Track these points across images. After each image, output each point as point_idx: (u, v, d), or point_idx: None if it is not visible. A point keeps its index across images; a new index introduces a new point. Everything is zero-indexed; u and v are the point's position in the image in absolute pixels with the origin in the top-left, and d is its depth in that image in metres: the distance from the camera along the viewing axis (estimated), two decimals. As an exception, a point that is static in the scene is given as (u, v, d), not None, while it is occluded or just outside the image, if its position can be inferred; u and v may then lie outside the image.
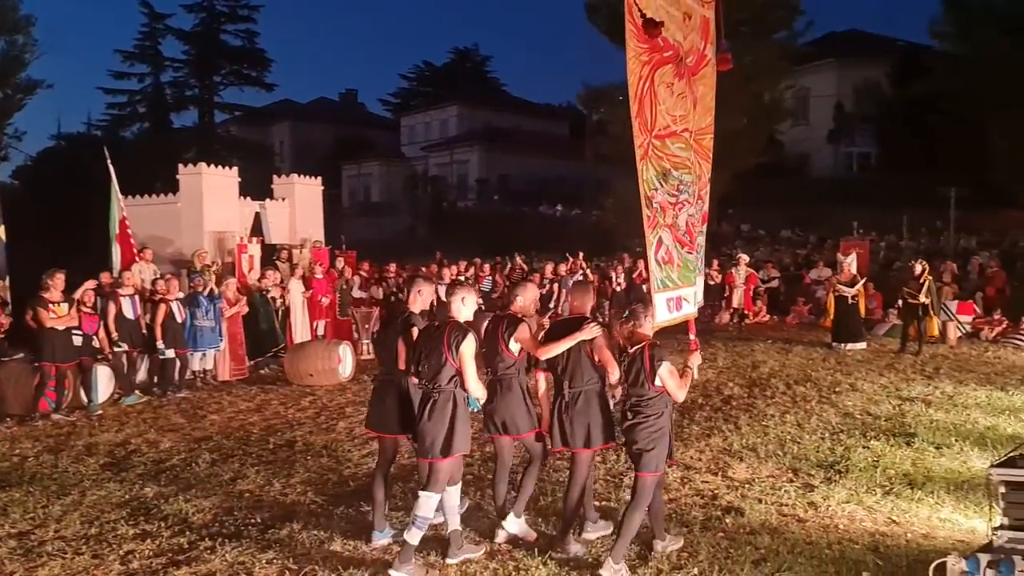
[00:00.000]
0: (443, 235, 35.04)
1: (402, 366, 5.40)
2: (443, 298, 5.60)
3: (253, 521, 5.94)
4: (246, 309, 12.67)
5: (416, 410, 5.13)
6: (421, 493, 5.00)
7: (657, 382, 4.93)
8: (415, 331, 5.32)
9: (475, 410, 5.32)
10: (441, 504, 5.11)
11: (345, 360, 12.02)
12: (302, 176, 19.29)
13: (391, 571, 4.84)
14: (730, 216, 33.53)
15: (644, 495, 4.96)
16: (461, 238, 31.69)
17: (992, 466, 4.38)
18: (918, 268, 14.29)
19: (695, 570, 4.94)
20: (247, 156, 39.42)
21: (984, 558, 4.00)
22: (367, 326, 14.59)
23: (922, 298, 13.81)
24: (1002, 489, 4.21)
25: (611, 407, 5.41)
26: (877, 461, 7.29)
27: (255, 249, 15.28)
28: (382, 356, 5.80)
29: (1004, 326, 15.69)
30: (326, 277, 14.84)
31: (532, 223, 38.61)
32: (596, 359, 5.26)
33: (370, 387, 11.22)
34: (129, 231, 13.15)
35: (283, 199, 18.36)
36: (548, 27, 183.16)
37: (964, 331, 15.74)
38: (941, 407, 9.60)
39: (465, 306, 5.22)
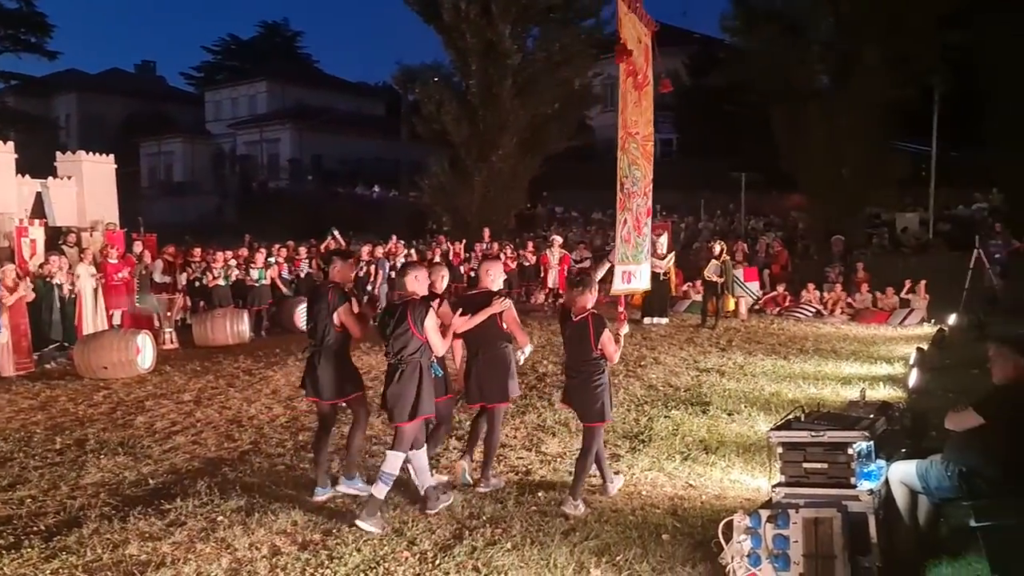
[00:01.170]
0: (253, 217, 33.57)
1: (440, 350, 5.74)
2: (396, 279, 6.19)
3: (35, 529, 5.43)
4: (31, 296, 11.53)
5: (388, 380, 5.55)
6: (388, 452, 5.51)
7: (599, 346, 5.67)
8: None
9: (438, 376, 5.77)
10: (413, 466, 5.67)
11: (144, 350, 11.26)
12: (92, 153, 17.77)
13: (358, 522, 5.27)
14: (544, 198, 34.46)
15: (595, 442, 5.74)
16: (272, 220, 30.56)
17: (771, 429, 4.77)
18: (716, 248, 15.35)
19: (508, 544, 5.04)
20: (26, 130, 35.84)
21: (765, 513, 4.36)
22: (169, 314, 13.73)
23: (715, 277, 14.86)
24: (780, 450, 4.60)
25: (515, 366, 6.22)
26: (677, 429, 7.76)
27: (37, 232, 13.92)
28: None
29: (787, 300, 17.21)
30: (122, 262, 13.80)
31: (347, 204, 37.86)
32: (505, 327, 6.04)
33: (174, 377, 10.80)
34: None
35: (69, 178, 16.85)
36: (361, 4, 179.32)
37: (754, 297, 17.13)
38: (733, 376, 10.38)
39: (419, 282, 5.63)
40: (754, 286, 17.65)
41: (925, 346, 11.31)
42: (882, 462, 4.71)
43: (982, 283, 15.95)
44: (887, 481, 4.61)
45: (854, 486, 4.36)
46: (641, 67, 6.57)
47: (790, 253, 20.76)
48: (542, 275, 18.48)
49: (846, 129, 21.35)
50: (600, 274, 7.26)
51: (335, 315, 5.83)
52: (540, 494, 5.99)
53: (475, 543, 5.07)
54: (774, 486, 4.60)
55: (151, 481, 6.51)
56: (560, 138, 24.03)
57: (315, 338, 5.98)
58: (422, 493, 5.67)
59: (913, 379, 9.03)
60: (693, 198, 29.49)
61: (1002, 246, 17.38)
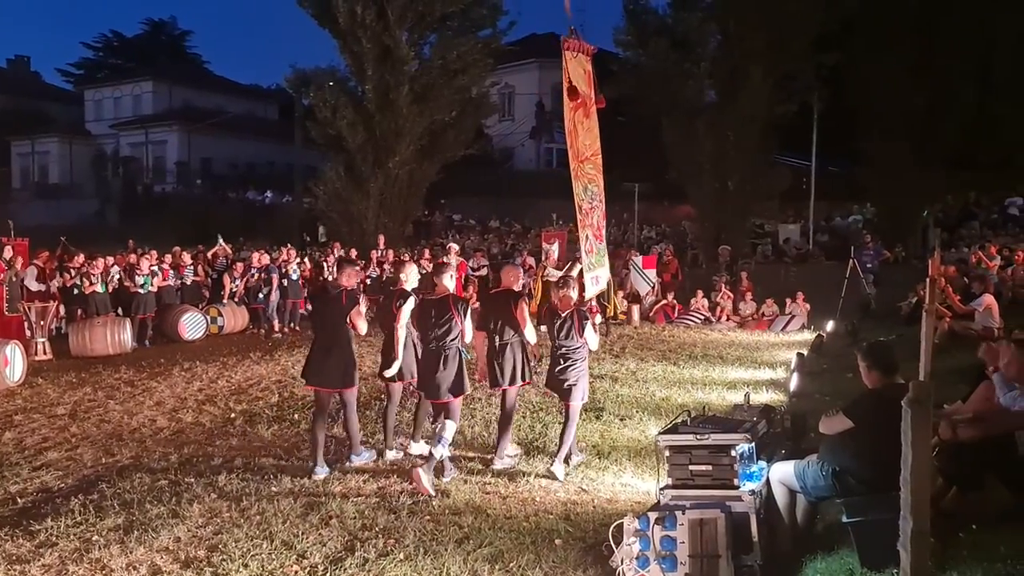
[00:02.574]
0: (137, 221, 32.22)
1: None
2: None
3: None
4: None
5: (427, 366, 6.56)
6: (447, 422, 6.43)
7: (583, 336, 6.70)
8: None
9: (469, 359, 6.74)
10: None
11: (13, 362, 10.60)
12: (-44, 151, 16.63)
13: (442, 479, 6.34)
14: (442, 206, 34.38)
15: (574, 417, 6.77)
16: (158, 225, 29.37)
17: (659, 433, 4.89)
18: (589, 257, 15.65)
19: (401, 555, 4.98)
20: None
21: (653, 515, 4.46)
22: (43, 322, 12.95)
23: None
24: (667, 453, 4.73)
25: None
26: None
27: None
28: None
29: (677, 309, 17.73)
30: (-12, 268, 12.95)
31: (238, 209, 36.80)
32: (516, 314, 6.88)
33: (47, 390, 10.21)
34: None
35: (-69, 177, 15.70)
36: (254, 5, 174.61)
37: (650, 284, 17.60)
38: (626, 383, 10.59)
39: (452, 280, 6.80)
40: (651, 273, 18.13)
41: (805, 351, 11.85)
42: (763, 463, 4.90)
43: (858, 291, 16.87)
44: (768, 481, 4.79)
45: (737, 487, 4.52)
46: (587, 94, 7.56)
47: (680, 262, 21.41)
48: (439, 283, 18.37)
49: (732, 143, 22.25)
50: (576, 272, 8.10)
51: (349, 316, 6.65)
52: (435, 503, 5.95)
53: (367, 555, 4.99)
54: (662, 488, 4.72)
55: (20, 500, 6.14)
56: (457, 145, 24.05)
57: (325, 334, 6.73)
58: (432, 457, 6.34)
59: (793, 383, 9.43)
60: (588, 207, 29.99)
61: (874, 256, 18.42)
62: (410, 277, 7.12)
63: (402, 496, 6.08)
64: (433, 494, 6.00)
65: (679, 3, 23.70)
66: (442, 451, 6.33)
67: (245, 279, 16.19)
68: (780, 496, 4.75)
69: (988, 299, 11.11)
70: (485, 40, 23.62)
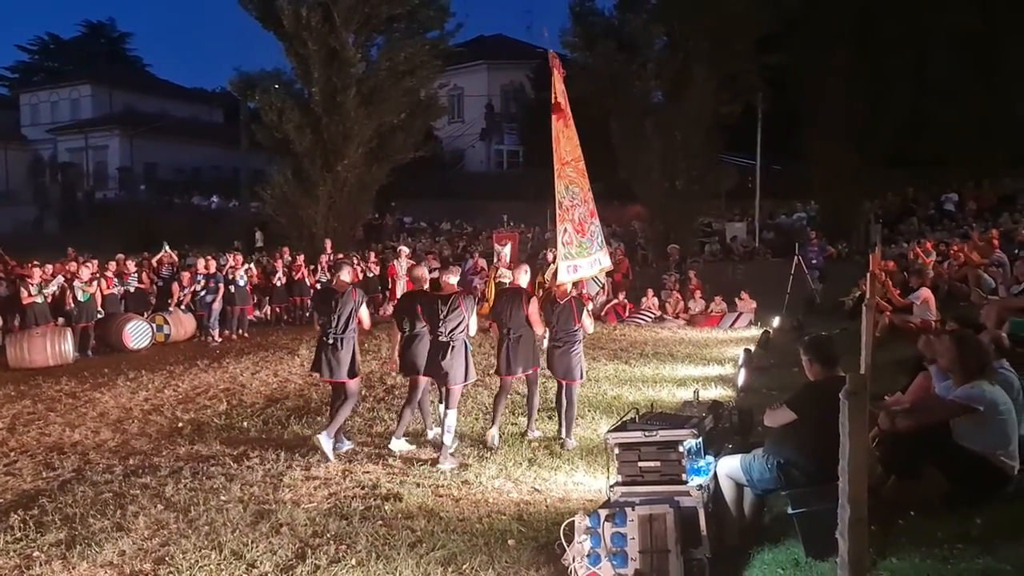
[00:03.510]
0: (78, 228, 31.45)
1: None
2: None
3: None
4: None
5: (435, 354, 7.14)
6: (448, 411, 7.07)
7: (580, 321, 7.54)
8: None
9: (469, 349, 7.26)
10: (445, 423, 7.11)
11: (-51, 376, 10.25)
12: None
13: (440, 465, 6.80)
14: (392, 208, 34.16)
15: (574, 395, 7.72)
16: (101, 232, 28.69)
17: (609, 431, 4.94)
18: (551, 256, 15.74)
19: (353, 561, 4.95)
20: None
21: (603, 512, 4.50)
22: (-22, 335, 12.55)
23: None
24: (616, 451, 4.78)
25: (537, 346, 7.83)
26: (524, 435, 7.89)
27: None
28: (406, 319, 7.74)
29: (628, 307, 17.90)
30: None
31: (184, 215, 36.14)
32: (528, 314, 7.59)
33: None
34: None
35: None
36: (196, 7, 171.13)
37: (599, 285, 17.73)
38: (577, 381, 10.64)
39: (456, 277, 7.72)
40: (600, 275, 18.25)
41: (752, 347, 12.05)
42: (711, 458, 4.98)
43: (804, 287, 17.22)
44: (716, 476, 4.86)
45: (685, 482, 4.58)
46: (566, 107, 8.49)
47: (630, 261, 21.61)
48: (390, 286, 18.30)
49: (679, 143, 22.54)
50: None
51: (360, 311, 7.32)
52: (387, 507, 5.92)
53: (318, 562, 4.94)
54: (612, 486, 4.76)
55: (-42, 517, 5.94)
56: (407, 148, 23.88)
57: (335, 329, 7.23)
58: (444, 447, 7.01)
59: (741, 378, 9.60)
60: (539, 208, 30.07)
61: (818, 252, 18.85)
62: (423, 279, 8.03)
63: (354, 502, 6.04)
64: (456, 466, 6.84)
65: (624, 5, 23.93)
66: (451, 438, 7.07)
67: (193, 287, 15.89)
68: (728, 490, 4.82)
69: (925, 292, 11.43)
70: (433, 42, 23.50)
